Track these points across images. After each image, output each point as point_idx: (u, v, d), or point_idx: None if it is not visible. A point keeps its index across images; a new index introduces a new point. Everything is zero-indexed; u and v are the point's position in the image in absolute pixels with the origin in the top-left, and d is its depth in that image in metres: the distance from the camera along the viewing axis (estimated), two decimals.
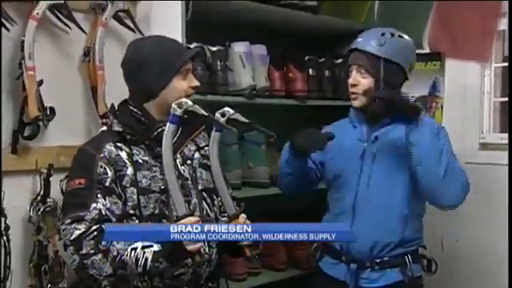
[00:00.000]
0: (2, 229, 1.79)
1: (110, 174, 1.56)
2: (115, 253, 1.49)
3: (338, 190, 1.93)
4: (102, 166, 1.56)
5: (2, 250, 1.79)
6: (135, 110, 1.64)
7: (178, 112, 1.52)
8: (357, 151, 1.88)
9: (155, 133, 1.61)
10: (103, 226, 1.51)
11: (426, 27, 2.59)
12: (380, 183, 1.84)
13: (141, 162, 1.59)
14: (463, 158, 2.59)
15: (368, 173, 1.85)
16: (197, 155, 1.69)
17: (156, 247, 1.50)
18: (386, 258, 1.84)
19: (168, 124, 1.53)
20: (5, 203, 1.80)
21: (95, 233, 1.51)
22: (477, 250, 2.55)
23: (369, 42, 1.85)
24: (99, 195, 1.54)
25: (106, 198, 1.54)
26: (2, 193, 1.79)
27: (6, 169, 1.82)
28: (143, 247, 1.50)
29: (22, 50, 1.84)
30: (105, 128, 1.66)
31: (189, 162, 1.66)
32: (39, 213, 1.87)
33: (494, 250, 2.47)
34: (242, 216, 1.58)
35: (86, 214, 1.52)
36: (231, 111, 1.56)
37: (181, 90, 1.62)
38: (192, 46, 2.15)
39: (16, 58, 1.86)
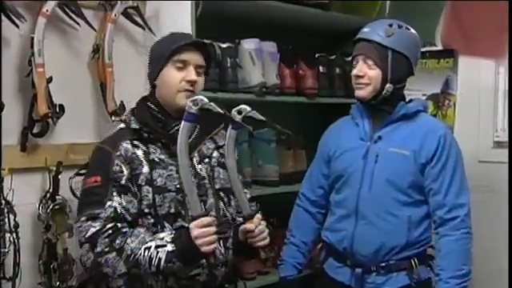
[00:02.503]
0: (12, 226, 1.79)
1: (125, 172, 1.54)
2: (129, 252, 1.48)
3: (340, 192, 1.88)
4: (117, 164, 1.54)
5: (12, 248, 1.79)
6: (152, 106, 1.62)
7: (193, 110, 1.49)
8: (359, 151, 1.83)
9: (172, 130, 1.59)
10: (118, 224, 1.50)
11: (438, 24, 2.56)
12: (383, 185, 1.78)
13: (157, 160, 1.57)
14: (477, 156, 2.57)
15: (370, 174, 1.79)
16: (215, 154, 1.67)
17: (170, 247, 1.48)
18: (391, 262, 1.79)
19: (183, 122, 1.50)
20: (14, 201, 1.80)
21: (110, 231, 1.49)
22: (490, 249, 2.51)
23: (376, 32, 1.80)
24: (115, 193, 1.52)
25: (122, 196, 1.53)
26: (12, 190, 1.79)
27: (15, 166, 1.82)
28: (157, 247, 1.48)
29: (32, 46, 1.83)
30: (123, 125, 1.63)
31: (206, 160, 1.64)
32: (48, 210, 1.87)
33: (508, 249, 2.43)
34: (258, 216, 1.56)
35: (102, 211, 1.50)
36: (248, 108, 1.54)
37: (172, 82, 1.58)
38: None
39: (25, 55, 1.86)
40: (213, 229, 1.48)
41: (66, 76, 1.96)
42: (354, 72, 1.83)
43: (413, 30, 1.85)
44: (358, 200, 1.81)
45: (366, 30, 1.83)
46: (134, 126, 1.59)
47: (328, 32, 2.66)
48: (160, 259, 1.47)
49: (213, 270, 1.58)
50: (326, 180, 1.94)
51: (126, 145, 1.56)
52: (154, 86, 1.64)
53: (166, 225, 1.55)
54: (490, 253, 2.51)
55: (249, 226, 1.56)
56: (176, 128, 1.57)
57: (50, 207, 1.87)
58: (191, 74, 1.59)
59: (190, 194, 1.49)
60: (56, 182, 1.90)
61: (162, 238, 1.50)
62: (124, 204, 1.52)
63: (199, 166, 1.62)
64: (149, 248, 1.48)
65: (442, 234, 1.78)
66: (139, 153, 1.57)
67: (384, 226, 1.78)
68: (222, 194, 1.64)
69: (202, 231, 1.47)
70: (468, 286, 1.75)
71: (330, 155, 1.92)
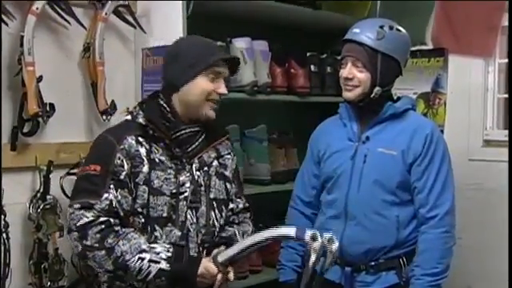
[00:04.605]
0: (2, 226, 1.77)
1: (126, 167, 1.54)
2: (119, 254, 1.49)
3: (330, 193, 1.87)
4: (119, 158, 1.54)
5: (2, 248, 1.77)
6: (164, 105, 1.62)
7: (307, 238, 1.55)
8: (348, 152, 1.82)
9: (177, 134, 1.60)
10: (111, 219, 1.50)
11: (428, 23, 2.58)
12: (371, 185, 1.77)
13: (157, 161, 1.58)
14: (467, 154, 2.59)
15: (359, 175, 1.78)
16: (215, 163, 1.68)
17: (164, 265, 1.50)
18: (381, 261, 1.79)
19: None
20: (4, 200, 1.78)
21: (103, 226, 1.49)
22: (480, 247, 2.53)
23: (366, 34, 1.76)
24: (112, 186, 1.52)
25: (118, 190, 1.53)
26: (2, 190, 1.77)
27: (5, 166, 1.80)
28: (150, 261, 1.50)
29: (22, 45, 1.82)
30: (129, 117, 1.63)
31: (205, 168, 1.64)
32: (39, 210, 1.86)
33: (498, 248, 2.45)
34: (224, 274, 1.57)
35: (97, 202, 1.51)
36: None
37: (203, 90, 1.59)
38: None
39: (15, 53, 1.84)
40: (216, 280, 1.55)
41: (56, 75, 1.95)
42: (343, 74, 1.81)
43: (403, 31, 1.83)
44: (347, 201, 1.80)
45: (355, 30, 1.80)
46: (141, 120, 1.60)
47: (319, 31, 2.66)
48: (150, 273, 1.49)
49: None
50: (317, 180, 1.94)
51: (131, 140, 1.56)
52: (175, 88, 1.62)
53: (157, 227, 1.56)
54: (481, 250, 2.53)
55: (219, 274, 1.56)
56: (183, 132, 1.60)
57: (41, 207, 1.86)
58: (223, 87, 1.62)
59: (239, 245, 1.56)
60: (47, 182, 1.89)
61: (158, 253, 1.51)
62: (119, 198, 1.53)
63: (197, 172, 1.62)
64: (142, 259, 1.49)
65: (422, 232, 1.78)
66: (142, 150, 1.57)
67: (373, 227, 1.78)
68: (214, 203, 1.64)
69: (211, 276, 1.54)
70: (442, 284, 1.75)
71: (319, 156, 1.91)
